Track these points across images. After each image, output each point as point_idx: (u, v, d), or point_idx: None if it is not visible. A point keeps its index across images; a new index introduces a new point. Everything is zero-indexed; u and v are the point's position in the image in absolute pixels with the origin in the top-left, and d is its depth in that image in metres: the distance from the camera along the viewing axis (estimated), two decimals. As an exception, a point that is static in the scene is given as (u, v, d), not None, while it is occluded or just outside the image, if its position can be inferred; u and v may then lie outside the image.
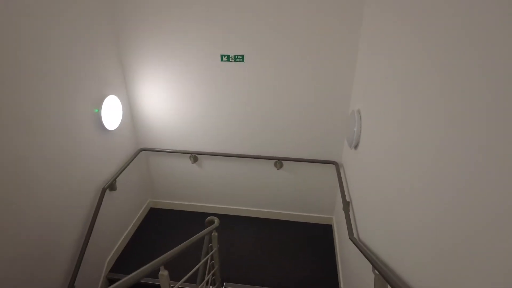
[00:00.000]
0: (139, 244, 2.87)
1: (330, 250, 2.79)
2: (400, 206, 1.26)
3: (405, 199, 1.21)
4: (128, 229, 2.90)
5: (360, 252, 1.65)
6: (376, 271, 1.37)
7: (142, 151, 2.95)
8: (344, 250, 2.38)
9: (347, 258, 2.24)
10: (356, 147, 2.10)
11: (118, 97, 2.56)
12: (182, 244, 1.55)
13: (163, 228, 3.05)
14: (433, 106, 1.03)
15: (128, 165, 2.73)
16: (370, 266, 1.45)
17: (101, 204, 2.34)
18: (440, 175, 0.95)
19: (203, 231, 1.89)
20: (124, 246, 2.82)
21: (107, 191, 2.49)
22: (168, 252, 1.42)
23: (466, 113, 0.83)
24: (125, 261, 2.69)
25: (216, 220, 1.97)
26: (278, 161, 2.80)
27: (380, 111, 1.62)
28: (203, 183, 3.09)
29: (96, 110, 2.34)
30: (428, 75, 1.07)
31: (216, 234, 1.97)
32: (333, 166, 2.75)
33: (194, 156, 2.92)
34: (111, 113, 2.46)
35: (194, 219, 3.17)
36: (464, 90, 0.85)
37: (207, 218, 2.00)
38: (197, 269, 1.83)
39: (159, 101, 2.72)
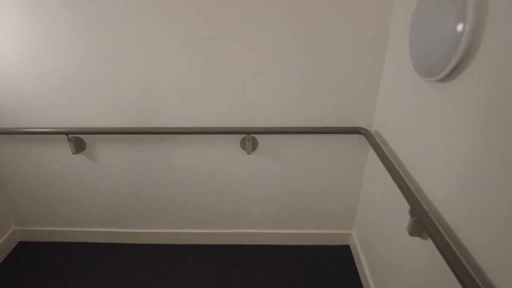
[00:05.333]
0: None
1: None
2: None
3: None
4: None
5: None
6: None
7: (-34, 136, 1.44)
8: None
9: None
10: (454, 70, 0.80)
11: None
12: None
13: (41, 278, 1.57)
14: None
15: None
16: None
17: None
18: None
19: None
20: None
21: None
22: None
23: None
24: None
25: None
26: (249, 137, 1.44)
27: None
28: (104, 190, 1.64)
29: None
30: None
31: None
32: (357, 139, 1.45)
33: (77, 139, 1.45)
34: None
35: (98, 257, 1.72)
36: None
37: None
38: None
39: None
